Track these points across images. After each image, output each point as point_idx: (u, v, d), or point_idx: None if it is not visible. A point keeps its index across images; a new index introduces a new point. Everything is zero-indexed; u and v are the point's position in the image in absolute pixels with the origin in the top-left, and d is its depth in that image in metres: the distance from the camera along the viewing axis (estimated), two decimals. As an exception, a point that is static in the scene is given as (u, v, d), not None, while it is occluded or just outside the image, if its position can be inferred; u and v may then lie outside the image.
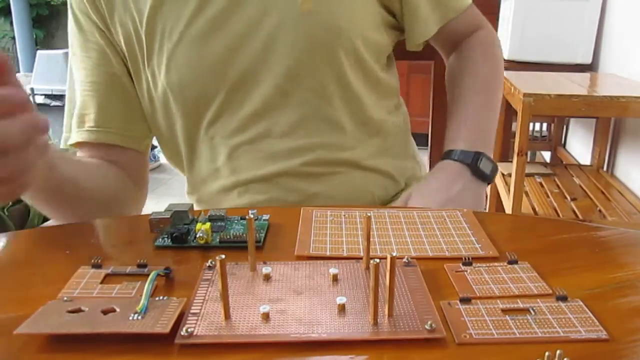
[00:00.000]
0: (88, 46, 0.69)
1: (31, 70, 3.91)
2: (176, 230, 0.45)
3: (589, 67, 2.14)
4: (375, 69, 0.71)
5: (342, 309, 0.35)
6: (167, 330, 0.32)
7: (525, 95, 1.41)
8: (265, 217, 0.50)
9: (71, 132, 0.71)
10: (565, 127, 2.54)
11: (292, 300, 0.36)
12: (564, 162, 2.31)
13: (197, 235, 0.44)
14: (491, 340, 0.32)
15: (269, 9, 0.64)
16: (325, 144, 0.68)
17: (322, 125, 0.68)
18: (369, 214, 0.39)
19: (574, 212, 1.53)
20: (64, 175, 0.57)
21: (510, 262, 0.42)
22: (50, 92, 3.67)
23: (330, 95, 0.67)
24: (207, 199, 0.73)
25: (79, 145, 0.71)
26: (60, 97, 3.65)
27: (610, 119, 1.93)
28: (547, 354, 0.29)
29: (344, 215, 0.50)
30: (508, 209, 1.62)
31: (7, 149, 0.39)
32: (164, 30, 0.65)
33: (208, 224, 0.45)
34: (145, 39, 0.66)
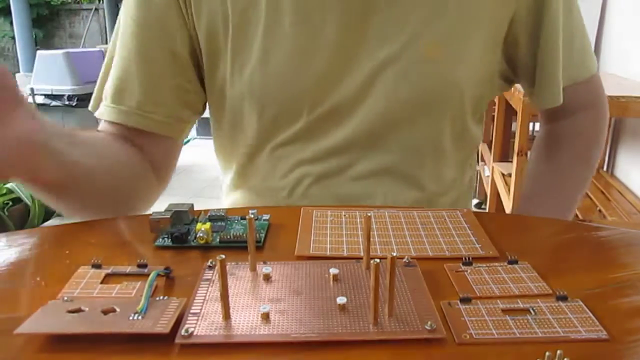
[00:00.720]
0: (151, 16, 0.60)
1: (31, 70, 3.92)
2: (176, 230, 0.45)
3: (589, 67, 2.13)
4: (469, 122, 0.66)
5: (342, 309, 0.35)
6: (167, 330, 0.32)
7: (525, 95, 1.41)
8: (265, 217, 0.50)
9: (103, 100, 0.63)
10: (565, 127, 2.54)
11: (292, 300, 0.36)
12: (564, 162, 2.31)
13: (197, 235, 0.44)
14: (491, 340, 0.32)
15: (389, 42, 0.58)
16: (397, 201, 0.63)
17: (400, 182, 0.63)
18: (369, 214, 0.39)
19: (574, 212, 1.53)
20: (75, 165, 0.51)
21: (510, 262, 0.42)
22: (50, 92, 3.67)
23: (418, 151, 0.63)
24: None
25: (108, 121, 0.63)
26: (60, 97, 3.65)
27: (610, 119, 1.93)
28: (547, 354, 0.29)
29: (344, 215, 0.50)
30: (508, 209, 1.62)
31: None
32: (258, 27, 0.58)
33: (208, 224, 0.45)
34: (232, 33, 0.59)
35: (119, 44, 0.62)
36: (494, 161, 2.20)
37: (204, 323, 0.33)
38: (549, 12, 0.62)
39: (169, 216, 0.47)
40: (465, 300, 0.36)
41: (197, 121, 0.69)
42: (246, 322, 0.33)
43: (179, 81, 0.63)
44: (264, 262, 0.41)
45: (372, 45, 0.59)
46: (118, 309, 0.34)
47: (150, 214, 0.48)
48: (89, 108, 0.67)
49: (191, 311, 0.34)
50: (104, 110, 0.63)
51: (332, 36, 0.58)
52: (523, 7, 0.62)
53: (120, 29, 0.62)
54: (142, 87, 0.61)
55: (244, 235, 0.45)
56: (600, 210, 1.54)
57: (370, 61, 0.59)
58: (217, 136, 0.70)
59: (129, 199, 0.63)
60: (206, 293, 0.37)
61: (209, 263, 0.41)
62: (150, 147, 0.64)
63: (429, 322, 0.33)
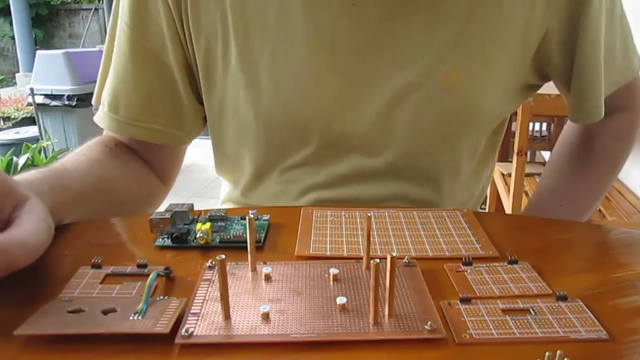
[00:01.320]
0: (145, 28, 0.58)
1: (31, 70, 3.92)
2: (176, 230, 0.45)
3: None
4: (490, 139, 0.64)
5: (342, 309, 0.35)
6: (167, 330, 0.32)
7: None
8: (265, 217, 0.50)
9: (101, 105, 0.62)
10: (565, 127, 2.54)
11: (292, 300, 0.36)
12: (563, 162, 2.31)
13: (197, 235, 0.44)
14: (491, 340, 0.32)
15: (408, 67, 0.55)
16: None
17: (417, 206, 0.59)
18: (369, 214, 0.39)
19: (573, 212, 1.53)
20: (80, 196, 0.51)
21: (510, 262, 0.42)
22: (49, 92, 3.66)
23: (437, 179, 0.60)
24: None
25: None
26: (60, 97, 3.65)
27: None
28: (547, 354, 0.29)
29: (344, 215, 0.50)
30: (508, 209, 1.62)
31: None
32: (264, 48, 0.55)
33: (208, 224, 0.45)
34: (235, 52, 0.56)
35: (116, 49, 0.61)
36: (493, 161, 2.19)
37: (204, 323, 0.33)
38: (587, 27, 0.56)
39: (169, 216, 0.47)
40: (465, 300, 0.36)
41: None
42: (246, 322, 0.33)
43: (176, 92, 0.61)
44: (264, 262, 0.41)
45: (390, 72, 0.56)
46: (118, 309, 0.34)
47: (150, 214, 0.48)
48: (92, 102, 0.66)
49: (191, 311, 0.34)
50: (102, 117, 0.62)
51: (346, 61, 0.55)
52: (555, 25, 0.57)
53: (117, 32, 0.60)
54: (138, 98, 0.60)
55: (244, 235, 0.45)
56: (600, 210, 1.54)
57: (387, 88, 0.56)
58: (218, 156, 0.66)
59: (133, 208, 0.62)
60: (206, 293, 0.37)
61: (209, 263, 0.41)
62: (151, 154, 0.64)
63: (429, 322, 0.33)
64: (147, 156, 0.64)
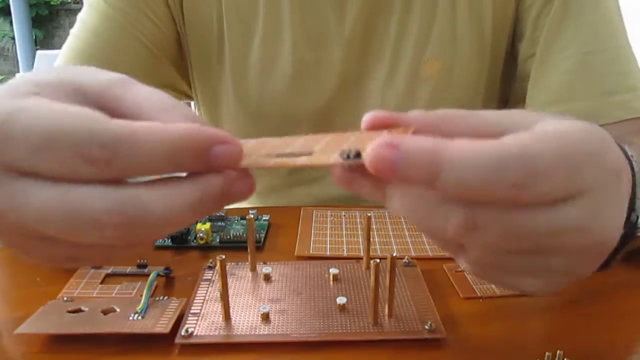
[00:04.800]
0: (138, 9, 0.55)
1: (31, 70, 3.91)
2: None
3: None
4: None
5: (342, 309, 0.34)
6: (167, 330, 0.32)
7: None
8: (265, 217, 0.50)
9: None
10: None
11: (292, 300, 0.36)
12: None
13: (197, 235, 0.44)
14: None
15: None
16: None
17: None
18: (369, 214, 0.39)
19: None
20: None
21: (510, 262, 0.42)
22: (50, 92, 3.66)
23: None
24: None
25: None
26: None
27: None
28: (547, 354, 0.29)
29: (344, 215, 0.50)
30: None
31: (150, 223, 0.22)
32: (251, 37, 0.56)
33: (208, 224, 0.45)
34: (228, 43, 0.57)
35: (87, 34, 0.56)
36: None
37: (204, 323, 0.33)
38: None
39: (169, 216, 0.47)
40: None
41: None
42: (246, 322, 0.33)
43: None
44: (264, 262, 0.41)
45: (375, 65, 0.58)
46: (118, 309, 0.34)
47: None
48: None
49: (191, 311, 0.34)
50: None
51: (333, 55, 0.57)
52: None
53: (91, 15, 0.56)
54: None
55: (244, 235, 0.45)
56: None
57: (374, 82, 0.58)
58: None
59: None
60: (206, 293, 0.37)
61: (209, 263, 0.41)
62: None
63: (429, 322, 0.33)
64: None
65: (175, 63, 0.61)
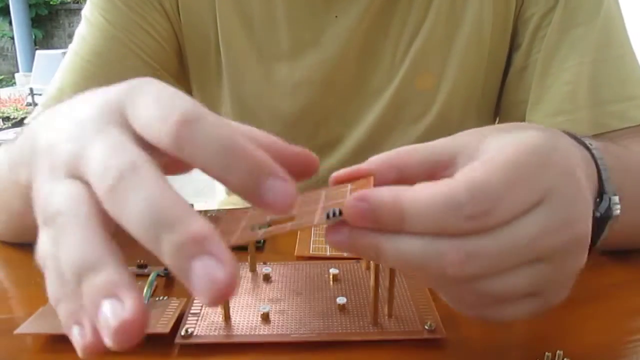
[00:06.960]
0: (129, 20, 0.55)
1: (30, 70, 3.92)
2: (176, 231, 0.45)
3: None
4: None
5: (342, 309, 0.35)
6: (167, 330, 0.32)
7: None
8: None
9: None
10: (564, 127, 2.54)
11: (292, 300, 0.36)
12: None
13: (197, 236, 0.44)
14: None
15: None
16: None
17: None
18: (369, 214, 0.39)
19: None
20: None
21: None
22: (49, 92, 3.67)
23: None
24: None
25: None
26: (60, 97, 3.65)
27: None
28: (547, 354, 0.29)
29: (344, 216, 0.50)
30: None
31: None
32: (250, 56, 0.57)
33: (208, 224, 0.45)
34: (224, 58, 0.57)
35: (85, 48, 0.56)
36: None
37: (204, 323, 0.33)
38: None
39: (168, 216, 0.47)
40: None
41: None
42: (246, 322, 0.33)
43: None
44: (264, 263, 0.41)
45: (371, 79, 0.58)
46: (118, 309, 0.34)
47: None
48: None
49: (191, 311, 0.34)
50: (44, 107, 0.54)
51: (327, 70, 0.57)
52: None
53: (88, 31, 0.57)
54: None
55: (244, 235, 0.45)
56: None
57: (370, 95, 0.59)
58: None
59: None
60: (206, 293, 0.37)
61: (208, 263, 0.41)
62: None
63: (429, 322, 0.33)
64: None
65: (175, 75, 0.61)
